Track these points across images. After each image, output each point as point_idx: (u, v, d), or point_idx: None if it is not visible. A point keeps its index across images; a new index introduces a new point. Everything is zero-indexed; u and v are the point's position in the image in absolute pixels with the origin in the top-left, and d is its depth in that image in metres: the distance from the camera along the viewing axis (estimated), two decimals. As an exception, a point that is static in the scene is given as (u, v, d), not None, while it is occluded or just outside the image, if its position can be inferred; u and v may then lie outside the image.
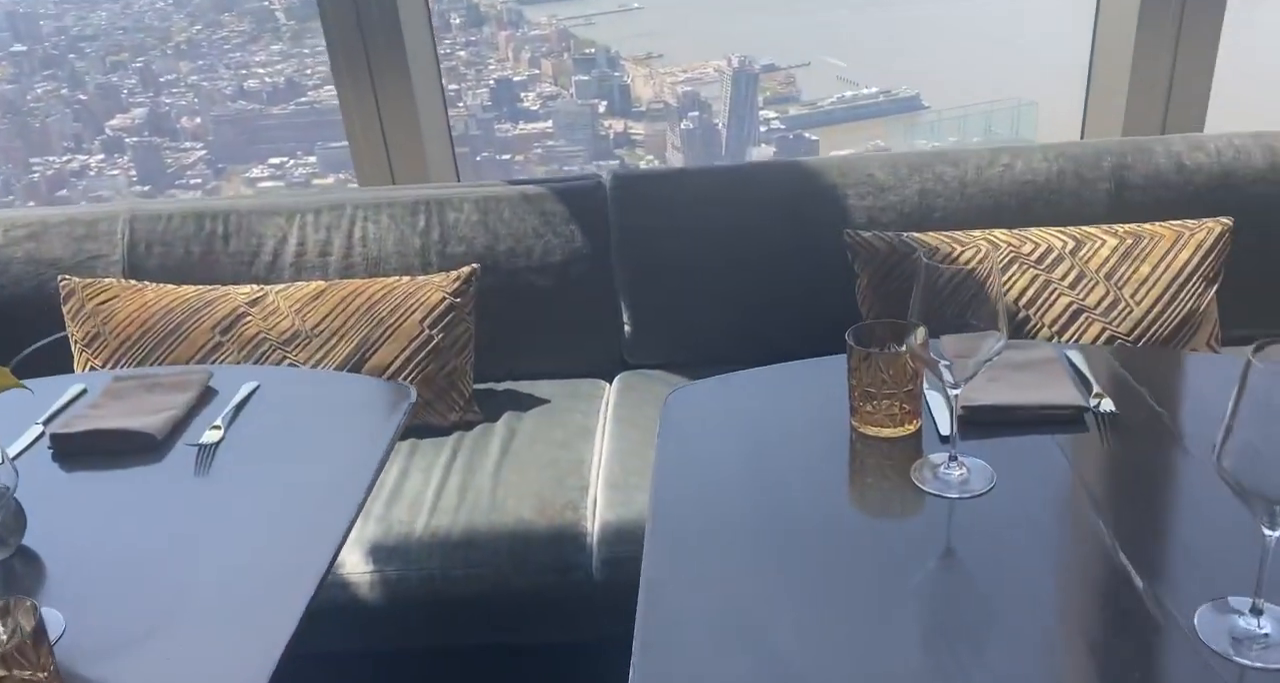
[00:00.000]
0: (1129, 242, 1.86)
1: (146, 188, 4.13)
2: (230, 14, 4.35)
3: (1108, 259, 1.85)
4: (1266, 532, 0.87)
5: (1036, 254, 1.87)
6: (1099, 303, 1.84)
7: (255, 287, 1.99)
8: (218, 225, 2.09)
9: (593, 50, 4.64)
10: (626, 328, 2.09)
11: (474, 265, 1.97)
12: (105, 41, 4.33)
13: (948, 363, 1.13)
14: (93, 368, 1.93)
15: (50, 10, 4.36)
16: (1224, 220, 1.86)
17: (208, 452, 1.34)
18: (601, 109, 4.50)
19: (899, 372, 1.25)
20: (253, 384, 1.49)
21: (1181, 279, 1.83)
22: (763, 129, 4.53)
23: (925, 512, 1.16)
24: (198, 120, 4.27)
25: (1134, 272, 1.84)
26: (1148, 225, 1.89)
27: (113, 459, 1.34)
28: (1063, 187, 1.97)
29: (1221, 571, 1.00)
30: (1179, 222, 1.88)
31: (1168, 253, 1.84)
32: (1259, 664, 0.88)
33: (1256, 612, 0.91)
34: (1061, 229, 1.90)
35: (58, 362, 1.93)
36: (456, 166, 2.53)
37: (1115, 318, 1.84)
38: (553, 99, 4.49)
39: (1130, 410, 1.28)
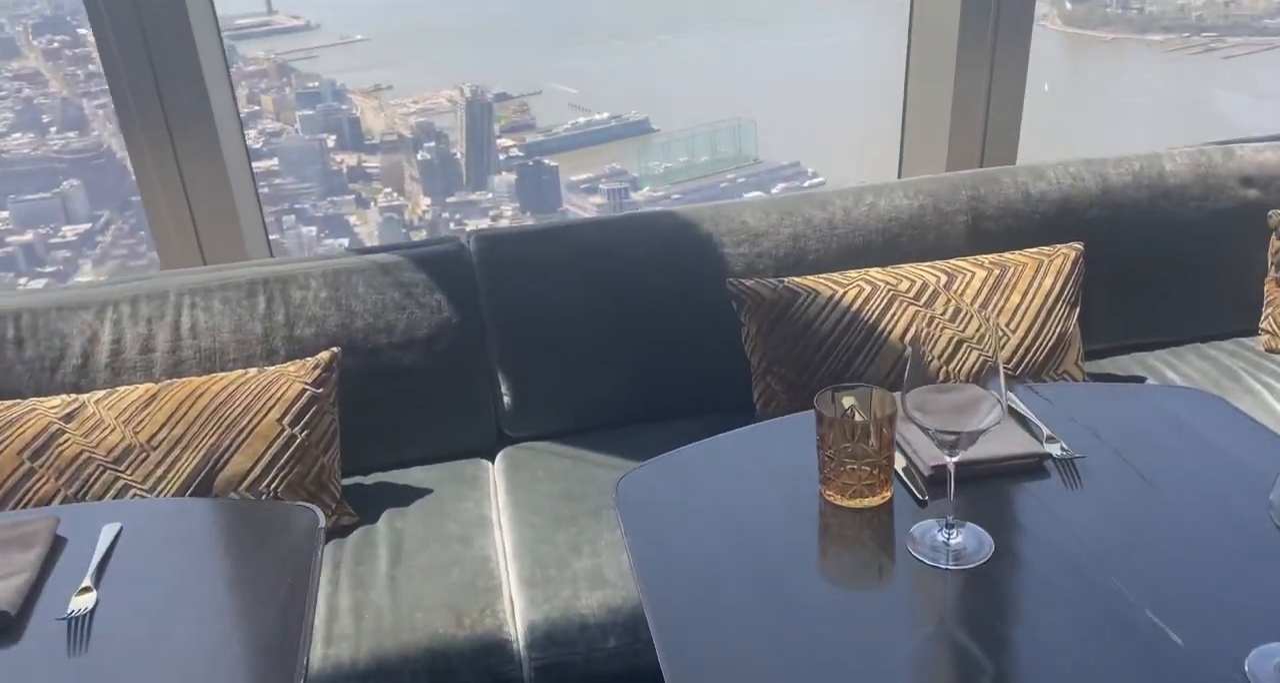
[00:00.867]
0: (996, 272, 1.92)
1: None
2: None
3: (980, 290, 1.90)
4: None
5: (914, 291, 1.89)
6: (978, 333, 1.88)
7: (67, 397, 1.68)
8: (6, 328, 1.76)
9: (317, 84, 4.58)
10: (506, 400, 1.93)
11: (334, 349, 1.76)
12: None
13: (953, 436, 1.08)
14: None
15: None
16: (1075, 246, 1.95)
17: (81, 623, 1.08)
18: (331, 143, 4.45)
19: (875, 439, 1.20)
20: (115, 526, 1.23)
21: (1049, 305, 1.90)
22: (502, 157, 4.58)
23: (929, 582, 1.10)
24: None
25: (1006, 301, 1.89)
26: (1008, 255, 1.96)
27: (-50, 651, 1.06)
28: (924, 222, 2.01)
29: (1251, 614, 1.00)
30: (1035, 249, 1.96)
31: (1033, 281, 1.91)
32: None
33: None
34: (932, 265, 1.93)
35: None
36: (268, 239, 2.28)
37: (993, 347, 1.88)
38: (276, 136, 4.38)
39: (1086, 453, 1.29)
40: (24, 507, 1.58)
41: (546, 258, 1.91)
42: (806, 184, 4.79)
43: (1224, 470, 1.25)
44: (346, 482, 1.82)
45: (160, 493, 1.62)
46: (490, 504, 1.79)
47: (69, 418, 1.64)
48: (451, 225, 4.64)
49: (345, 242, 4.51)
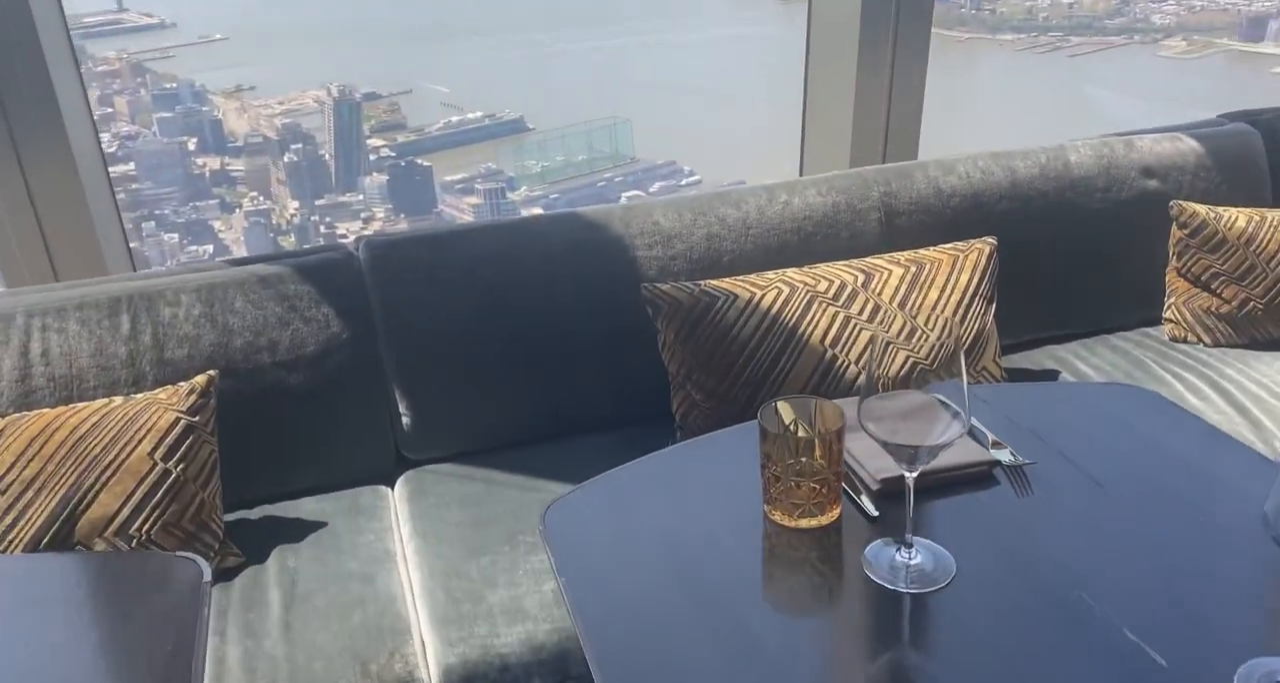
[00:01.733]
0: (913, 269, 1.87)
1: None
2: None
3: (897, 288, 1.85)
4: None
5: (832, 291, 1.82)
6: (899, 333, 1.82)
7: (-106, 438, 1.46)
8: None
9: (174, 85, 4.42)
10: (404, 419, 1.78)
11: (211, 372, 1.58)
12: None
13: (912, 450, 1.00)
14: None
15: None
16: (989, 240, 1.92)
17: (-89, 719, 0.90)
18: (192, 146, 4.31)
19: (823, 455, 1.11)
20: (-48, 594, 1.05)
21: (966, 301, 1.86)
22: (373, 158, 4.51)
23: (888, 606, 1.02)
24: None
25: (924, 299, 1.85)
26: (923, 251, 1.91)
27: None
28: (839, 219, 1.95)
29: (1234, 627, 0.95)
30: (949, 245, 1.92)
31: (950, 277, 1.87)
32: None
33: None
34: (848, 263, 1.87)
35: None
36: (130, 252, 2.08)
37: (915, 345, 1.83)
38: (132, 139, 4.20)
39: (1032, 457, 1.23)
40: None
41: (444, 264, 1.77)
42: (684, 182, 4.81)
43: (1174, 470, 1.21)
44: (230, 517, 1.65)
45: (11, 545, 1.42)
46: (393, 536, 1.64)
47: (-104, 462, 1.42)
48: (322, 228, 4.52)
49: (210, 248, 4.32)
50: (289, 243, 4.57)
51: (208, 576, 1.07)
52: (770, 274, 1.83)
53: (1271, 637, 0.94)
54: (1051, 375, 2.00)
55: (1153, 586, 1.01)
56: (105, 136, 3.99)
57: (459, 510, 1.67)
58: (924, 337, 1.84)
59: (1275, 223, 2.04)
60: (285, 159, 4.42)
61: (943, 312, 1.84)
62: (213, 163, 4.36)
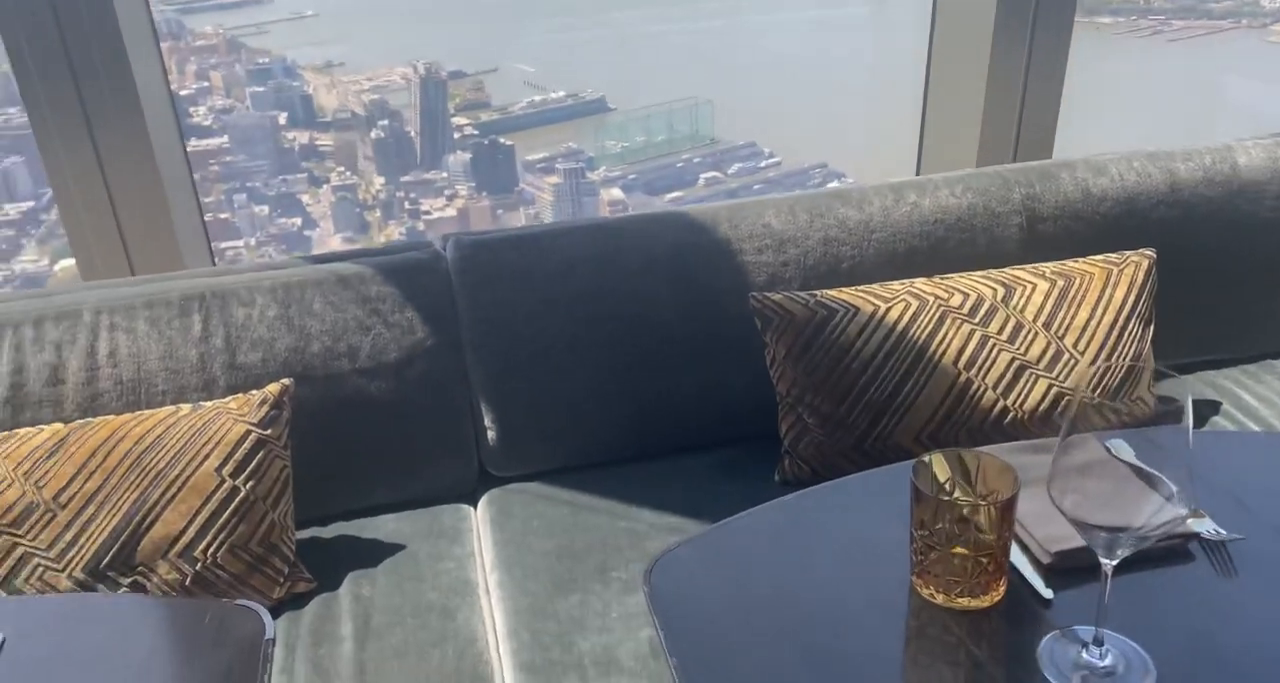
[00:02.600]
0: (1061, 284, 1.65)
1: None
2: None
3: (1042, 306, 1.64)
4: None
5: (968, 306, 1.62)
6: (1041, 357, 1.62)
7: (-48, 444, 1.37)
8: (-123, 356, 1.44)
9: (267, 60, 4.45)
10: (490, 434, 1.64)
11: (285, 381, 1.46)
12: None
13: (1113, 532, 0.82)
14: None
15: None
16: (1148, 252, 1.70)
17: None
18: (283, 121, 4.34)
19: (990, 526, 0.93)
20: (-8, 642, 0.93)
21: (1121, 322, 1.64)
22: (456, 136, 4.51)
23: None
24: None
25: (1072, 319, 1.63)
26: (1071, 263, 1.70)
27: None
28: (974, 223, 1.74)
29: None
30: (1101, 256, 1.70)
31: (1103, 294, 1.65)
32: None
33: None
34: (986, 274, 1.67)
35: None
36: (211, 249, 1.97)
37: (1060, 372, 1.62)
38: (226, 113, 4.22)
39: (1236, 529, 1.03)
40: (-105, 585, 1.28)
41: (537, 267, 1.62)
42: (763, 164, 4.76)
43: None
44: (302, 535, 1.53)
45: (70, 565, 1.32)
46: (475, 564, 1.50)
47: (-46, 471, 1.33)
48: (406, 204, 4.56)
49: (299, 221, 4.37)
50: (374, 218, 4.60)
51: (269, 632, 0.94)
52: (896, 285, 1.64)
53: None
54: (1212, 408, 1.77)
55: None
56: (201, 109, 4.03)
57: (546, 538, 1.53)
58: (1072, 361, 1.65)
59: None
60: (372, 135, 4.42)
61: (1095, 334, 1.63)
62: (302, 137, 4.38)
